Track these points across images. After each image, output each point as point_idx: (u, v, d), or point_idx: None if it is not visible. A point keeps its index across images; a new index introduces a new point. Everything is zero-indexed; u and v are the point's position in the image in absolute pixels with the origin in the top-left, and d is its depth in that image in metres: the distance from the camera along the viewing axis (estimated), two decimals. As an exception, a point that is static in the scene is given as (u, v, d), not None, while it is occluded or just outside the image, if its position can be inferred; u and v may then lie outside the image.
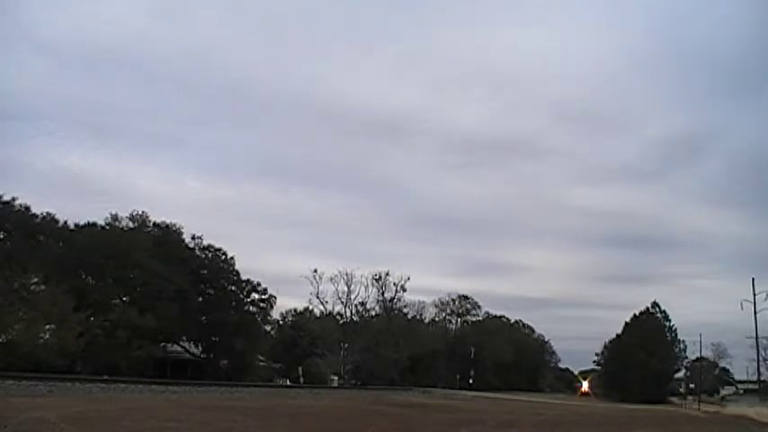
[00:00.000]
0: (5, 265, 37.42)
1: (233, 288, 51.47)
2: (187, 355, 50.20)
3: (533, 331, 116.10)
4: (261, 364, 58.88)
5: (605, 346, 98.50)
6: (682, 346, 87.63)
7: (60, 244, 42.58)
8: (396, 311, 75.32)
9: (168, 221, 49.94)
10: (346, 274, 67.40)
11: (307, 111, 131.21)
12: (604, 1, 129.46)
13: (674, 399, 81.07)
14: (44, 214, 42.63)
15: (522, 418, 29.72)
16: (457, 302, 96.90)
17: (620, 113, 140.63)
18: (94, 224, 46.11)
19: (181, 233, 50.01)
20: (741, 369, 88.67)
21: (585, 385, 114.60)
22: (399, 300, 74.05)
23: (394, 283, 71.50)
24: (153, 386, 29.66)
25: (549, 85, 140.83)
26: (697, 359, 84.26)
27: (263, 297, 52.77)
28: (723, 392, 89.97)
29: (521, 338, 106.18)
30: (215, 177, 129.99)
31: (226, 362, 51.28)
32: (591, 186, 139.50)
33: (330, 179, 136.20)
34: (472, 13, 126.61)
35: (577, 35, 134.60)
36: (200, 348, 50.39)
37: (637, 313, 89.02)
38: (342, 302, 68.37)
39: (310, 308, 71.77)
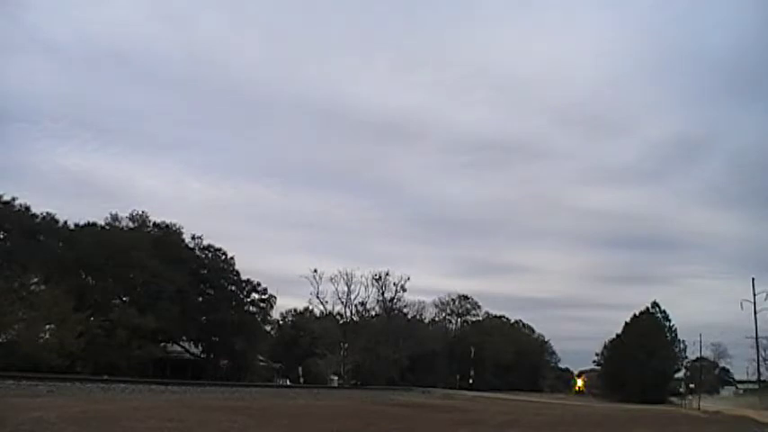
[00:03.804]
0: (5, 265, 37.47)
1: (233, 288, 51.47)
2: (187, 355, 50.19)
3: (533, 331, 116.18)
4: (261, 364, 58.90)
5: (605, 346, 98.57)
6: (682, 346, 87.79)
7: (60, 244, 42.54)
8: (396, 311, 75.36)
9: (168, 221, 50.09)
10: (346, 274, 67.56)
11: (307, 112, 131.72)
12: (604, 4, 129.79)
13: (674, 399, 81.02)
14: (44, 214, 42.66)
15: (523, 418, 29.72)
16: (457, 302, 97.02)
17: (621, 115, 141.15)
18: (94, 224, 46.09)
19: (181, 233, 50.07)
20: (741, 369, 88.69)
21: (580, 383, 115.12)
22: (399, 300, 74.30)
23: (394, 283, 71.71)
24: (153, 386, 29.64)
25: (550, 88, 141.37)
26: (697, 359, 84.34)
27: (263, 297, 52.82)
28: (723, 393, 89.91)
29: (521, 338, 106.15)
30: (216, 178, 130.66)
31: (226, 362, 51.33)
32: (591, 187, 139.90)
33: (330, 180, 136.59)
34: (473, 15, 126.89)
35: (578, 38, 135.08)
36: (200, 348, 50.39)
37: (637, 313, 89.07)
38: (342, 302, 68.52)
39: (310, 308, 71.96)
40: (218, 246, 51.35)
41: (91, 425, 14.08)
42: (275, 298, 53.89)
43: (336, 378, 63.72)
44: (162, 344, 46.04)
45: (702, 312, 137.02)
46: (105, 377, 31.30)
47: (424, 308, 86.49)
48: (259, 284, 52.42)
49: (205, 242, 50.92)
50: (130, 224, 48.48)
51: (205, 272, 49.91)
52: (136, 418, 15.88)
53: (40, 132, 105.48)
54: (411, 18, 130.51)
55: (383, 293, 72.18)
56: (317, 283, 64.92)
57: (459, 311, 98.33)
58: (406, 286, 72.13)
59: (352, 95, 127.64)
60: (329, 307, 68.26)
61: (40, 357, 31.58)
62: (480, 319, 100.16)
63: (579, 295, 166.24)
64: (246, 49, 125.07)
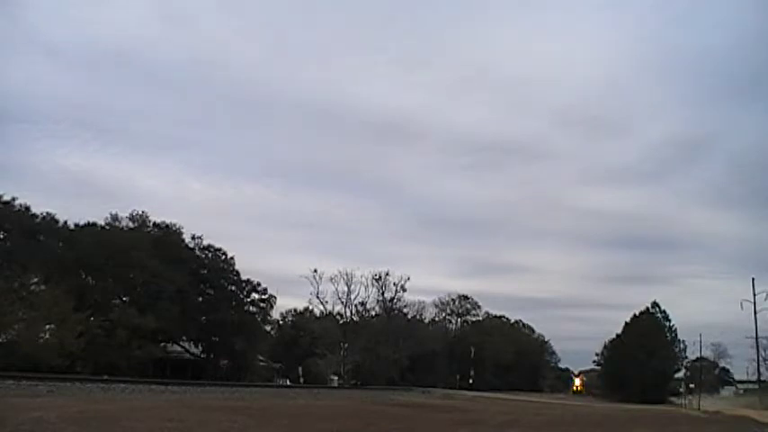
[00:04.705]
0: (5, 265, 37.47)
1: (233, 288, 51.45)
2: (187, 355, 50.18)
3: (533, 331, 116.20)
4: (261, 364, 58.89)
5: (605, 346, 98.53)
6: (682, 346, 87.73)
7: (60, 244, 42.52)
8: (396, 311, 75.33)
9: (168, 221, 50.06)
10: (346, 274, 67.57)
11: (308, 113, 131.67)
12: (604, 4, 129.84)
13: (674, 399, 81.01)
14: (44, 214, 42.65)
15: (523, 418, 29.71)
16: (457, 302, 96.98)
17: (621, 116, 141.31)
18: (94, 224, 46.07)
19: (181, 233, 50.05)
20: (741, 369, 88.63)
21: (577, 382, 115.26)
22: (399, 300, 74.27)
23: (394, 283, 71.70)
24: (153, 386, 29.63)
25: (551, 88, 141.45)
26: (697, 359, 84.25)
27: (263, 297, 52.79)
28: (723, 393, 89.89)
29: (521, 338, 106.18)
30: (216, 178, 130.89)
31: (226, 362, 51.31)
32: (591, 188, 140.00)
33: (331, 180, 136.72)
34: (473, 15, 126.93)
35: (578, 39, 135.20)
36: (200, 348, 50.37)
37: (637, 313, 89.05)
38: (342, 302, 68.53)
39: (310, 308, 71.94)
40: (218, 246, 51.44)
41: (91, 425, 14.07)
42: (275, 298, 53.99)
43: (336, 378, 63.70)
44: (162, 344, 46.02)
45: (702, 312, 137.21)
46: (105, 377, 31.29)
47: (424, 308, 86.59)
48: (259, 284, 52.48)
49: (205, 242, 50.99)
50: (130, 224, 48.46)
51: (205, 272, 49.89)
52: (136, 418, 15.88)
53: (41, 132, 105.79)
54: (411, 18, 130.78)
55: (383, 293, 72.28)
56: (317, 283, 65.05)
57: (459, 311, 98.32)
58: (406, 286, 72.26)
59: (352, 95, 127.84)
60: (329, 307, 68.40)
61: (40, 357, 31.56)
62: (480, 319, 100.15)
63: (579, 295, 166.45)
64: (246, 49, 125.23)
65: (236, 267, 51.47)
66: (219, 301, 49.22)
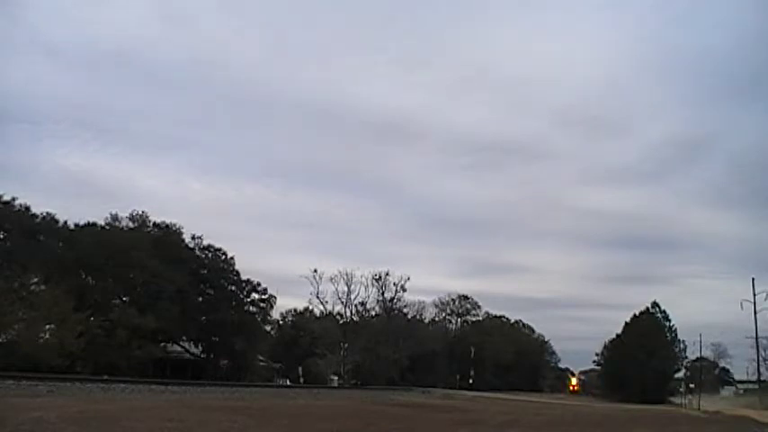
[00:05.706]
0: (5, 265, 37.47)
1: (233, 288, 51.44)
2: (187, 355, 50.18)
3: (533, 331, 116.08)
4: (261, 364, 58.89)
5: (605, 346, 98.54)
6: (682, 346, 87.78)
7: (60, 244, 42.52)
8: (396, 311, 75.37)
9: (168, 221, 50.06)
10: (346, 274, 67.66)
11: (308, 113, 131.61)
12: (604, 4, 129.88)
13: (673, 399, 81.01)
14: (44, 214, 42.65)
15: (523, 418, 29.71)
16: (457, 302, 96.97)
17: (621, 116, 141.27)
18: (94, 224, 46.07)
19: (181, 233, 50.04)
20: (741, 369, 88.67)
21: (574, 381, 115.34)
22: (399, 300, 74.35)
23: (394, 283, 71.79)
24: (153, 386, 29.62)
25: (551, 88, 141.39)
26: (697, 359, 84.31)
27: (263, 297, 52.79)
28: (723, 393, 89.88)
29: (521, 338, 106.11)
30: (216, 179, 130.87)
31: (226, 362, 51.32)
32: (591, 187, 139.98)
33: (331, 180, 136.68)
34: (473, 15, 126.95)
35: (578, 39, 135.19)
36: (200, 348, 50.37)
37: (637, 313, 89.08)
38: (342, 302, 68.63)
39: (310, 308, 72.00)
40: (218, 246, 51.42)
41: (91, 425, 14.07)
42: (275, 298, 53.98)
43: (336, 378, 63.70)
44: (162, 344, 46.00)
45: (702, 312, 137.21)
46: (105, 377, 31.28)
47: (424, 308, 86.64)
48: (259, 284, 52.46)
49: (205, 242, 50.97)
50: (130, 224, 48.45)
51: (205, 272, 49.88)
52: (136, 418, 15.88)
53: (41, 133, 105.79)
54: (411, 18, 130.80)
55: (383, 293, 72.38)
56: (317, 283, 65.17)
57: (459, 311, 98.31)
58: (406, 286, 72.39)
59: (352, 95, 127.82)
60: (329, 307, 68.49)
61: (40, 357, 31.55)
62: (480, 319, 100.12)
63: (579, 295, 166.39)
64: (246, 49, 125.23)
65: (236, 267, 51.57)
66: (219, 301, 49.21)
